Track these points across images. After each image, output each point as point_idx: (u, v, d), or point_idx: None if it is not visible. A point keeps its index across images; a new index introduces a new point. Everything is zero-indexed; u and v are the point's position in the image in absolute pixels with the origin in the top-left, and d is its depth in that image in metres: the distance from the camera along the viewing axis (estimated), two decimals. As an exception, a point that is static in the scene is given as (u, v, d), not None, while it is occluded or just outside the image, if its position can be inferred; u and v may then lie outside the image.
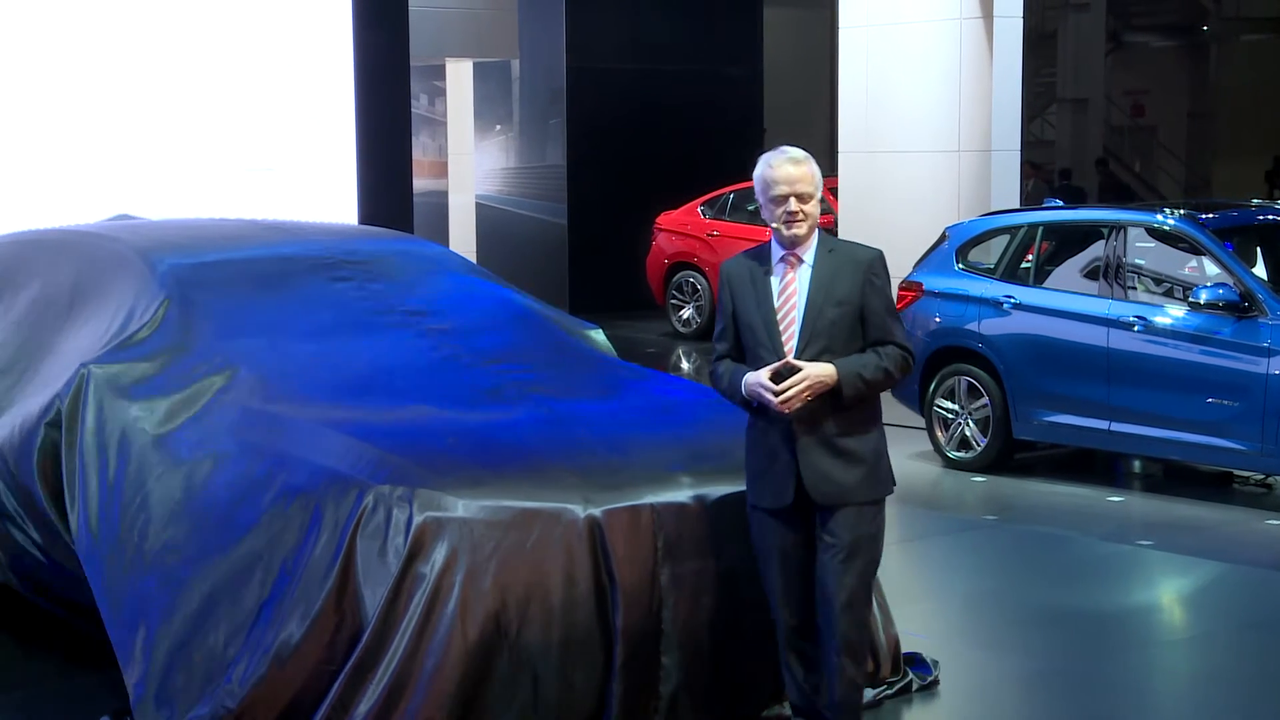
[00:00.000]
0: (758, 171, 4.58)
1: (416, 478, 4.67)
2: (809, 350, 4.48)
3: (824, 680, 4.56)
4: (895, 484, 4.67)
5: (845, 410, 4.49)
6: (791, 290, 4.54)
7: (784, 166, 4.53)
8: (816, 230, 4.58)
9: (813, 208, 4.53)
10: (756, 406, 4.53)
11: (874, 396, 4.58)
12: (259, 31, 11.37)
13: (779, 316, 4.53)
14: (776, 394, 4.41)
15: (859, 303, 4.52)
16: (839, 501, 4.51)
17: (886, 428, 4.66)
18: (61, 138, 10.59)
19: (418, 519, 4.56)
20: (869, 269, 4.55)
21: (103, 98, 10.72)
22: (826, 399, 4.46)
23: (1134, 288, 8.83)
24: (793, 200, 4.50)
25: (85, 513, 5.14)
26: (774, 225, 4.55)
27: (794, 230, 4.52)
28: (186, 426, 5.13)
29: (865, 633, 4.64)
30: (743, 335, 4.60)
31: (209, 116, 11.17)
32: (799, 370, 4.42)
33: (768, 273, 4.57)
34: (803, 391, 4.41)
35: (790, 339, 4.50)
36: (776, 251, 4.59)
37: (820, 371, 4.43)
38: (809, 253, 4.56)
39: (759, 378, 4.45)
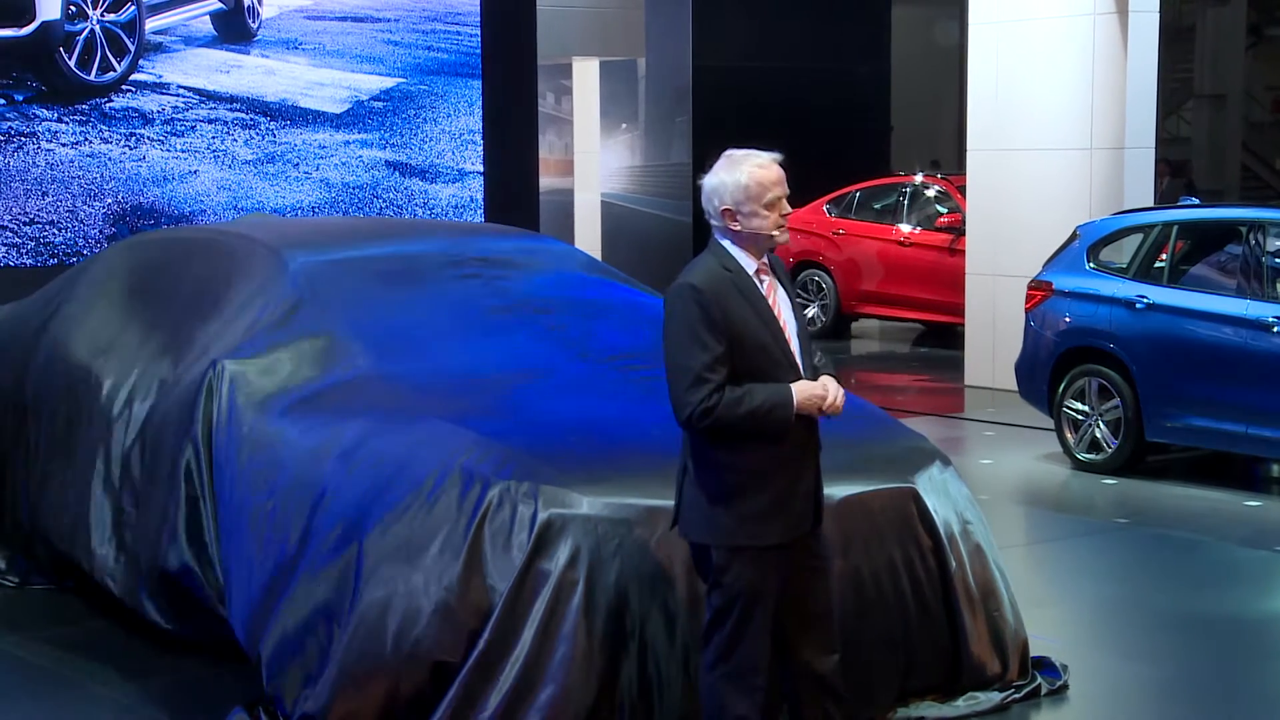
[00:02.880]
0: (739, 176, 4.09)
1: (541, 474, 4.69)
2: (809, 364, 4.24)
3: (803, 706, 4.26)
4: None
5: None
6: (774, 301, 4.19)
7: (774, 167, 4.13)
8: None
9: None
10: (773, 435, 4.07)
11: None
12: (389, 30, 11.52)
13: (782, 330, 4.18)
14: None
15: None
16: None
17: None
18: (197, 138, 10.83)
19: (542, 515, 4.58)
20: (792, 279, 4.22)
21: (235, 99, 10.94)
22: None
23: (1274, 288, 8.61)
24: (784, 202, 4.14)
25: (217, 502, 5.25)
26: (766, 233, 4.11)
27: (784, 235, 4.17)
28: (315, 419, 5.21)
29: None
30: (751, 357, 4.08)
31: (340, 115, 11.35)
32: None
33: (754, 285, 4.15)
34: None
35: (795, 354, 4.19)
36: (748, 262, 4.15)
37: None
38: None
39: (810, 389, 4.09)
